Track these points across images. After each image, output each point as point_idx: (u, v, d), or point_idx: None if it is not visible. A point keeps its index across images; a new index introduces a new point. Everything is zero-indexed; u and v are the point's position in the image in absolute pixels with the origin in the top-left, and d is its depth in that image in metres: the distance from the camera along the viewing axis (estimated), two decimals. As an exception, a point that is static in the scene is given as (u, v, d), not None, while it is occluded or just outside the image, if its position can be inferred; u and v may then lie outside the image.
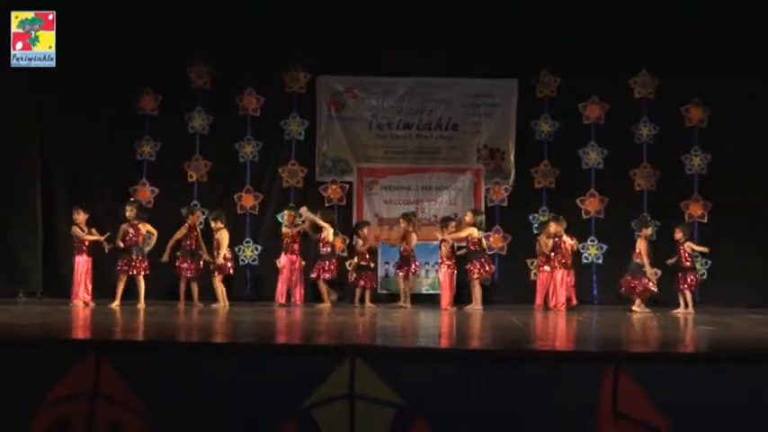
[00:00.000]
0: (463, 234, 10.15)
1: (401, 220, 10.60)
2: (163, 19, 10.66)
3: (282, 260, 10.27)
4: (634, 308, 9.71)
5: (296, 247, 10.30)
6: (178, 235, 10.03)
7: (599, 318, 8.81)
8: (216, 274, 9.97)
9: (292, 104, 11.34)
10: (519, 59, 10.99)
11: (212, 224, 10.16)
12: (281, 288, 10.21)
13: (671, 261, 10.02)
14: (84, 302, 9.48)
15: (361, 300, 10.41)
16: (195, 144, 11.25)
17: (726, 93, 10.74)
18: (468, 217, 10.28)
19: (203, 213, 10.68)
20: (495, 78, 11.28)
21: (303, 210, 10.45)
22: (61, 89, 10.64)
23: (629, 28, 10.62)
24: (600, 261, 11.15)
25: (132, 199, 10.46)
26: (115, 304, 9.30)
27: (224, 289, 10.03)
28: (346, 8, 10.65)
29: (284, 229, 10.39)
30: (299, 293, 10.27)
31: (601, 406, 4.19)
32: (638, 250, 9.88)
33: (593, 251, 11.15)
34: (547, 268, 10.37)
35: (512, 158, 11.32)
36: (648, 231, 10.07)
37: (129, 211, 9.70)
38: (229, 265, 10.09)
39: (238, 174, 11.28)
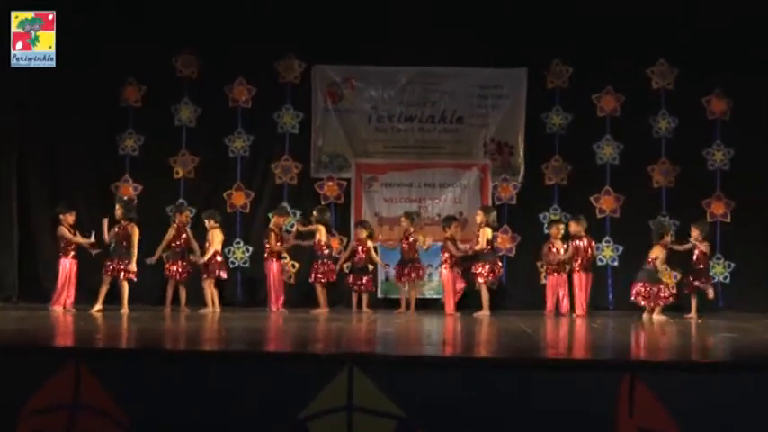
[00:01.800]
0: (483, 240, 10.04)
1: (402, 219, 10.59)
2: (147, 4, 10.69)
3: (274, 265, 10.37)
4: (649, 315, 9.69)
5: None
6: (168, 237, 10.13)
7: (614, 324, 8.82)
8: (205, 276, 10.03)
9: (286, 95, 11.35)
10: (529, 48, 10.98)
11: (206, 223, 10.23)
12: (272, 294, 10.29)
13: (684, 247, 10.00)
14: (65, 308, 9.54)
15: (359, 305, 10.45)
16: (182, 138, 11.27)
17: (750, 84, 10.75)
18: (480, 217, 10.23)
19: (191, 212, 10.72)
20: (503, 68, 11.28)
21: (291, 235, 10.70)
22: (39, 82, 10.57)
23: (646, 13, 10.61)
24: (615, 263, 11.15)
25: (125, 198, 10.50)
26: (96, 309, 9.36)
27: (215, 293, 10.09)
28: (343, -8, 10.71)
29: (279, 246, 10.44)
30: (280, 298, 10.34)
31: (618, 418, 4.23)
32: (653, 257, 9.70)
33: (607, 253, 11.14)
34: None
35: (521, 153, 11.32)
36: (668, 239, 9.90)
37: (117, 210, 9.78)
38: (220, 267, 10.16)
39: (228, 170, 11.29)
